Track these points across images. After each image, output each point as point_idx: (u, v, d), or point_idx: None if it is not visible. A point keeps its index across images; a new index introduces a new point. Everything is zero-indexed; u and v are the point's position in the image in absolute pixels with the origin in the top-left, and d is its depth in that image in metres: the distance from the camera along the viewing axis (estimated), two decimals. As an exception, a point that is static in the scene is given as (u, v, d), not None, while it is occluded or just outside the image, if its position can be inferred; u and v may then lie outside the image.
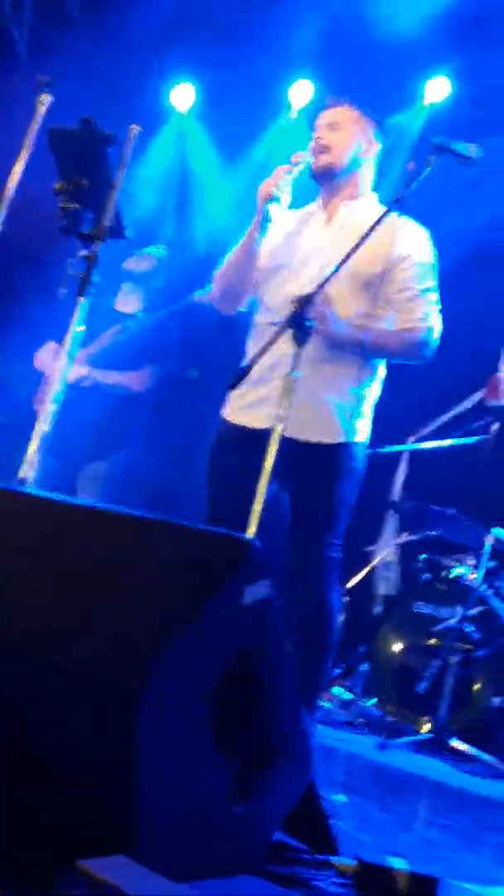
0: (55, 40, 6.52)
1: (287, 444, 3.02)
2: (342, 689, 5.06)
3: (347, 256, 3.05)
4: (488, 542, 4.77)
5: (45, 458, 2.92)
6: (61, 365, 2.85)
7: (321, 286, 3.00)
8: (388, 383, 3.51)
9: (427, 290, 3.38)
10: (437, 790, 3.94)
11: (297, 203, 3.48)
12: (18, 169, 3.22)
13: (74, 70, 5.58)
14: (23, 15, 6.67)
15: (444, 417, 5.93)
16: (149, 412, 5.02)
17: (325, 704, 4.84)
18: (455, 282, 3.76)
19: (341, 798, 3.14)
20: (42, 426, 2.82)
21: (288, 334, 2.98)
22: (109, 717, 1.69)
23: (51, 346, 4.90)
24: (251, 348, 3.41)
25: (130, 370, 4.86)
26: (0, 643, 1.81)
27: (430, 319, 3.36)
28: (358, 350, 3.29)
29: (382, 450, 5.05)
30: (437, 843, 3.00)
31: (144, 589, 1.88)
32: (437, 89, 6.19)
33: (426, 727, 4.54)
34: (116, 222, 2.90)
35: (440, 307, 3.40)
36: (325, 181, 3.44)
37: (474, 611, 4.65)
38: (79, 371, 4.74)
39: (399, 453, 5.79)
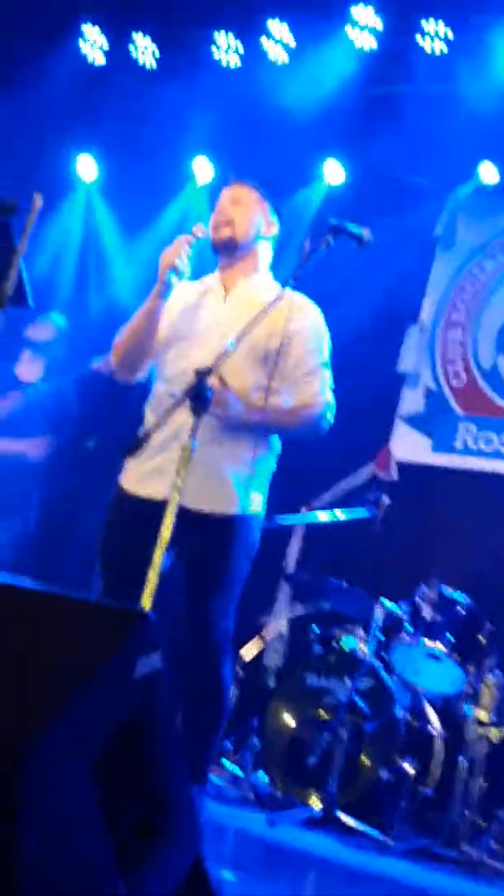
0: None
1: (182, 513, 3.03)
2: (232, 764, 5.01)
3: (245, 331, 3.10)
4: (378, 613, 4.83)
5: None
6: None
7: (219, 359, 3.04)
8: (283, 455, 3.56)
9: (322, 365, 3.45)
10: (325, 867, 3.92)
11: (193, 275, 3.53)
12: None
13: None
14: None
15: (337, 490, 6.03)
16: (44, 481, 4.98)
17: (216, 780, 4.78)
18: (349, 355, 3.85)
19: (229, 875, 3.10)
20: None
21: (186, 405, 3.01)
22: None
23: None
24: (150, 417, 3.43)
25: (27, 438, 4.82)
26: None
27: (325, 394, 3.43)
28: (256, 429, 3.33)
29: (276, 521, 5.09)
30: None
31: (33, 660, 1.85)
32: (333, 171, 6.41)
33: (316, 802, 4.52)
34: (18, 290, 2.90)
35: (333, 384, 3.48)
36: (224, 254, 3.50)
37: (364, 683, 4.68)
38: (-27, 439, 4.70)
39: (292, 525, 5.84)
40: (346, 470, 6.10)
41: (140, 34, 6.55)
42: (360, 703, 4.65)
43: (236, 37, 6.33)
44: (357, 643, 4.98)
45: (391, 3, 5.92)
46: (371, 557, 5.97)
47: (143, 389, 3.68)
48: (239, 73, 6.38)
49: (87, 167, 6.92)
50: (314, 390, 3.41)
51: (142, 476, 3.36)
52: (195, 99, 6.45)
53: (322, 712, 4.74)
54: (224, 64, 6.38)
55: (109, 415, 5.78)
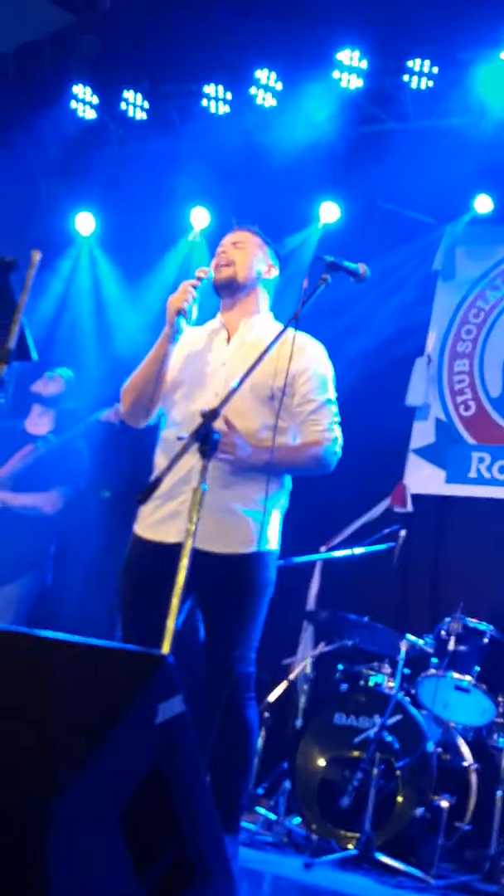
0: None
1: (198, 556, 3.03)
2: (265, 809, 4.96)
3: (249, 372, 3.11)
4: (403, 648, 4.79)
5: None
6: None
7: (225, 401, 3.05)
8: (301, 496, 3.56)
9: (327, 401, 3.46)
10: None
11: (195, 323, 3.56)
12: None
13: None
14: None
15: (354, 526, 6.01)
16: (60, 534, 4.99)
17: (249, 825, 4.73)
18: (357, 393, 3.87)
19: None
20: None
21: (195, 448, 3.03)
22: (20, 846, 1.63)
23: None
24: (160, 462, 3.43)
25: (41, 492, 4.84)
26: None
27: (332, 430, 3.44)
28: (266, 469, 3.34)
29: (295, 560, 5.07)
30: None
31: (55, 708, 1.85)
32: (329, 211, 6.47)
33: (351, 843, 4.46)
34: (21, 345, 2.93)
35: (339, 418, 3.48)
36: (226, 294, 3.53)
37: (393, 720, 4.63)
38: (-13, 493, 4.72)
39: (312, 563, 5.83)
40: (363, 507, 6.09)
41: (131, 91, 6.65)
42: (391, 740, 4.61)
43: (225, 88, 6.43)
44: (383, 679, 4.94)
45: (376, 46, 6.00)
46: (391, 591, 5.95)
47: (154, 437, 3.70)
48: (228, 119, 6.47)
49: (84, 221, 7.00)
50: (321, 427, 3.42)
51: (156, 521, 3.37)
52: (187, 147, 6.54)
53: (353, 751, 4.69)
54: (213, 111, 6.47)
55: (121, 464, 5.81)
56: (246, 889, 3.45)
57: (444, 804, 4.47)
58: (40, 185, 7.13)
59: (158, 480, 3.00)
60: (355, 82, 6.12)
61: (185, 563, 2.83)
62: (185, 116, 6.67)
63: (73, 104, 6.74)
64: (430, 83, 5.98)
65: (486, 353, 6.31)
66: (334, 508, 5.94)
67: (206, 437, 2.93)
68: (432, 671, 4.84)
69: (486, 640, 4.87)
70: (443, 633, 4.90)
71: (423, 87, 6.01)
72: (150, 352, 3.49)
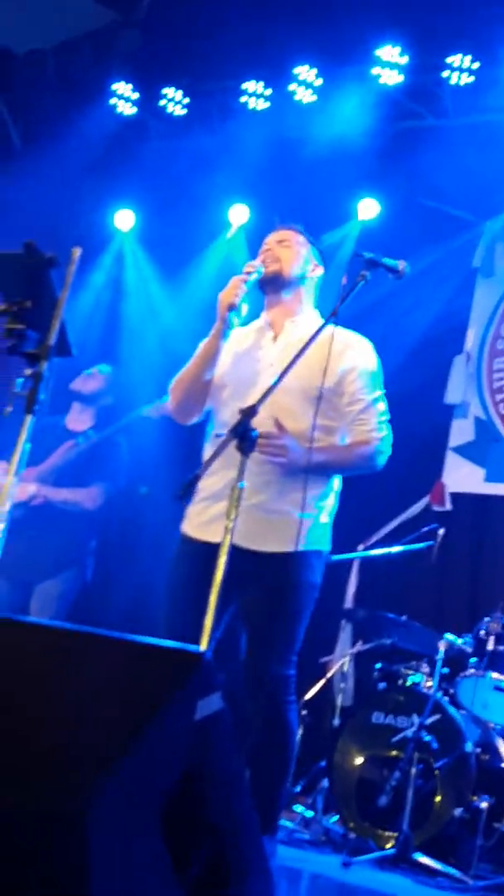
0: (-1, 167, 6.70)
1: (242, 555, 3.05)
2: (303, 807, 4.95)
3: (287, 369, 3.10)
4: (441, 647, 4.76)
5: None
6: (8, 483, 2.84)
7: (263, 398, 3.04)
8: (340, 494, 3.54)
9: (376, 399, 3.44)
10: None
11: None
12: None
13: (19, 196, 5.72)
14: (-34, 144, 6.86)
15: (392, 525, 5.99)
16: (99, 529, 5.00)
17: (287, 823, 4.73)
18: (396, 390, 3.84)
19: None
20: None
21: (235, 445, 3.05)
22: (60, 845, 1.63)
23: (1, 465, 4.89)
24: (207, 456, 3.39)
25: (81, 487, 4.85)
26: None
27: (381, 429, 3.42)
28: (317, 471, 3.33)
29: (333, 558, 5.05)
30: None
31: (94, 703, 1.85)
32: (368, 207, 6.44)
33: (389, 842, 4.44)
34: (61, 341, 2.93)
35: (388, 416, 3.46)
36: (271, 292, 3.50)
37: (431, 719, 4.60)
38: (29, 489, 4.73)
39: (350, 562, 5.80)
40: (401, 505, 6.06)
41: (171, 88, 6.66)
42: (429, 740, 4.58)
43: (265, 84, 6.42)
44: (422, 678, 4.92)
45: (415, 42, 5.96)
46: (430, 590, 5.91)
47: (194, 434, 3.70)
48: (267, 115, 6.46)
49: (124, 218, 7.02)
50: (370, 426, 3.40)
51: (204, 521, 3.36)
52: (226, 143, 6.54)
53: (391, 750, 4.67)
54: (252, 107, 6.47)
55: (161, 461, 5.82)
56: (284, 887, 3.45)
57: (483, 805, 4.43)
58: (80, 181, 7.15)
59: (196, 477, 3.01)
60: (395, 78, 6.08)
61: (223, 560, 2.83)
62: (224, 113, 6.67)
63: (113, 101, 6.76)
64: (471, 79, 5.93)
65: (526, 349, 6.26)
66: (373, 507, 5.91)
67: (243, 434, 2.93)
68: (471, 671, 4.81)
69: (525, 640, 4.83)
70: (482, 632, 4.86)
71: (462, 82, 5.96)
72: (199, 348, 3.48)
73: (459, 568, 5.95)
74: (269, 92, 6.43)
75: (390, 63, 6.02)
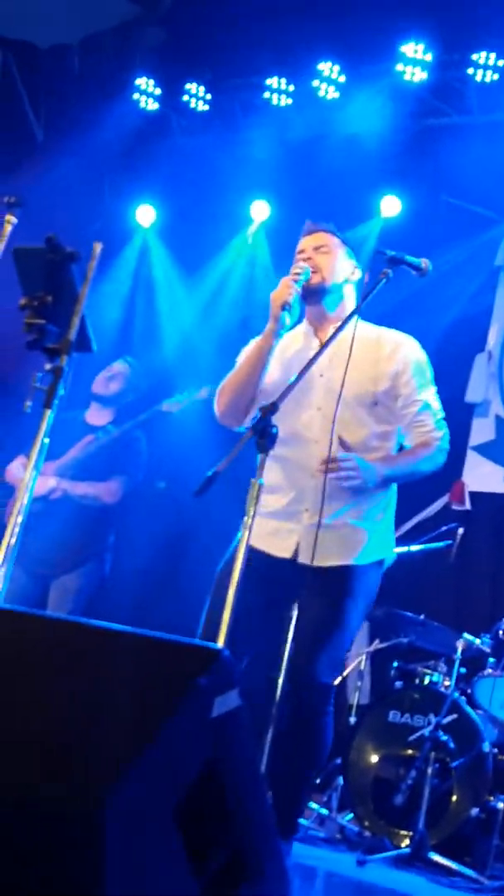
0: (20, 162, 6.71)
1: (304, 570, 3.13)
2: (318, 805, 4.95)
3: (305, 369, 3.07)
4: (459, 647, 4.75)
5: (16, 572, 2.88)
6: (27, 477, 2.85)
7: (283, 395, 3.01)
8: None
9: (430, 399, 3.41)
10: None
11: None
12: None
13: (40, 190, 5.73)
14: (-12, 138, 6.87)
15: (411, 523, 5.96)
16: (117, 523, 5.00)
17: (302, 821, 4.72)
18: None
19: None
20: (8, 539, 2.79)
21: (316, 468, 3.16)
22: (75, 842, 1.63)
23: (21, 459, 4.90)
24: (264, 476, 3.34)
25: (100, 481, 4.86)
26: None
27: (440, 428, 3.39)
28: (387, 484, 3.32)
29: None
30: None
31: (110, 699, 1.85)
32: (391, 205, 6.42)
33: (405, 841, 4.43)
34: (81, 336, 2.93)
35: (443, 413, 3.44)
36: (314, 301, 3.43)
37: (448, 719, 4.59)
38: (48, 482, 4.74)
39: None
40: (420, 504, 6.04)
41: (194, 84, 6.66)
42: (446, 739, 4.57)
43: (288, 81, 6.40)
44: (439, 678, 4.90)
45: (440, 39, 5.93)
46: (448, 590, 5.89)
47: (212, 430, 3.67)
48: (290, 111, 6.45)
49: (145, 213, 7.03)
50: (429, 427, 3.37)
51: (268, 532, 3.31)
52: (248, 139, 6.53)
53: (407, 749, 4.66)
54: (275, 103, 6.46)
55: (179, 456, 5.82)
56: (298, 885, 3.44)
57: (500, 805, 4.42)
58: (102, 176, 7.16)
59: (216, 475, 2.99)
60: (419, 75, 6.05)
61: (241, 555, 2.82)
62: (246, 109, 6.66)
63: (136, 96, 6.77)
64: (496, 76, 5.90)
65: (548, 348, 6.22)
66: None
67: (263, 431, 2.92)
68: (489, 671, 4.79)
69: (544, 641, 4.81)
70: (500, 632, 4.85)
71: (487, 80, 5.93)
72: (249, 350, 3.41)
73: (478, 567, 5.93)
74: (291, 88, 6.42)
75: (414, 60, 5.99)
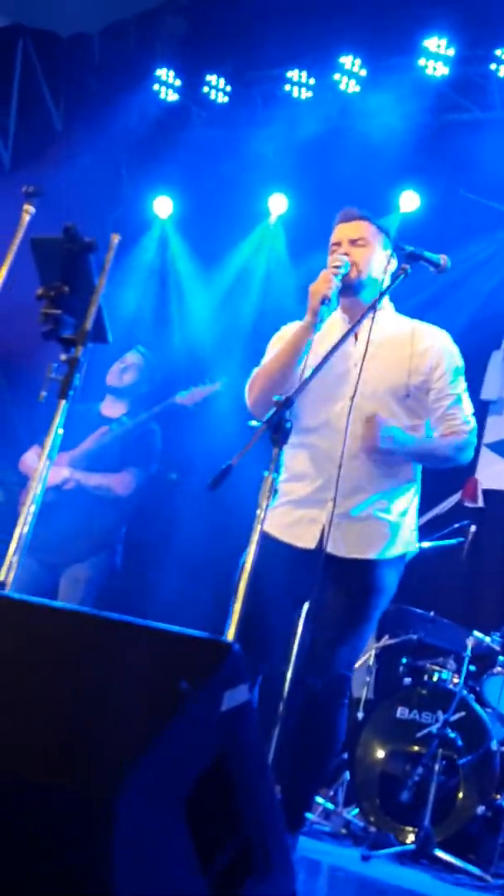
0: (39, 152, 6.71)
1: (330, 563, 3.11)
2: (324, 799, 4.95)
3: (320, 366, 3.05)
4: (469, 644, 4.74)
5: (27, 561, 2.89)
6: (40, 467, 2.85)
7: (299, 390, 3.01)
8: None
9: (461, 393, 3.40)
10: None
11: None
12: (2, 277, 3.27)
13: (59, 179, 5.73)
14: (8, 127, 6.87)
15: (423, 519, 5.95)
16: (129, 515, 5.00)
17: (308, 815, 4.72)
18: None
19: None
20: (21, 528, 2.80)
21: (358, 460, 3.16)
22: (84, 834, 1.63)
23: (36, 449, 4.90)
24: (291, 465, 3.29)
25: (114, 472, 4.86)
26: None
27: (470, 422, 3.39)
28: (410, 456, 3.31)
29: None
30: None
31: (120, 691, 1.85)
32: (410, 200, 6.39)
33: (410, 837, 4.43)
34: (98, 327, 2.93)
35: (473, 408, 3.43)
36: (349, 294, 3.38)
37: (456, 716, 4.59)
38: (61, 473, 4.74)
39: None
40: (432, 501, 6.03)
41: (214, 75, 6.65)
42: (453, 736, 4.56)
43: (309, 74, 6.39)
44: (448, 675, 4.90)
45: (463, 33, 5.90)
46: (459, 587, 5.88)
47: (225, 422, 3.67)
48: (311, 104, 6.43)
49: (162, 204, 7.03)
50: (459, 420, 3.37)
51: (289, 523, 3.32)
52: (268, 132, 6.51)
53: (414, 746, 4.66)
54: (296, 96, 6.44)
55: (191, 448, 5.81)
56: (303, 878, 3.44)
57: (506, 804, 4.42)
58: (121, 166, 7.16)
59: (230, 468, 2.98)
60: (441, 70, 6.03)
61: (252, 549, 2.82)
62: (267, 101, 6.64)
63: (156, 87, 6.76)
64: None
65: None
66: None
67: (277, 426, 2.91)
68: (498, 669, 4.79)
69: (554, 640, 4.80)
70: (510, 630, 4.84)
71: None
72: (284, 341, 3.37)
73: (490, 565, 5.91)
74: (312, 81, 6.40)
75: (437, 54, 5.97)
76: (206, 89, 6.70)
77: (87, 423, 4.91)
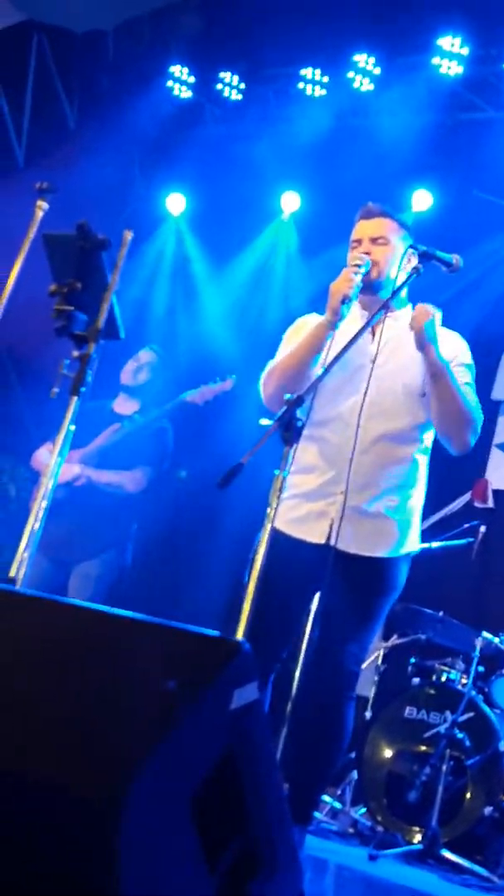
0: (53, 148, 6.72)
1: (339, 558, 3.11)
2: (331, 798, 4.95)
3: (333, 362, 3.04)
4: (478, 645, 4.73)
5: (38, 557, 2.89)
6: (52, 463, 2.86)
7: (311, 388, 3.01)
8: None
9: (471, 386, 3.39)
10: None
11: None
12: (15, 273, 3.28)
13: (72, 176, 5.74)
14: (21, 124, 6.88)
15: (433, 519, 5.94)
16: (140, 512, 5.01)
17: (315, 814, 4.73)
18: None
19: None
20: (32, 524, 2.80)
21: (360, 452, 3.17)
22: (90, 833, 1.63)
23: (47, 446, 4.91)
24: (301, 458, 3.27)
25: (125, 470, 4.86)
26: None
27: (478, 410, 3.36)
28: (435, 367, 3.23)
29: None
30: None
31: (128, 689, 1.85)
32: (422, 198, 6.38)
33: (417, 837, 4.43)
34: (110, 323, 2.93)
35: (480, 408, 3.42)
36: (369, 292, 3.36)
37: (465, 716, 4.58)
38: (72, 469, 4.75)
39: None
40: (442, 501, 6.02)
41: (228, 73, 6.65)
42: (461, 737, 4.56)
43: (323, 72, 6.38)
44: (457, 675, 4.89)
45: (477, 33, 5.89)
46: (468, 587, 5.87)
47: (234, 421, 3.67)
48: (324, 102, 6.42)
49: (175, 201, 7.04)
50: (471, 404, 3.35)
51: (297, 518, 3.31)
52: (281, 129, 6.51)
53: (422, 746, 4.65)
54: (309, 94, 6.44)
55: (200, 446, 5.81)
56: (309, 877, 3.44)
57: (514, 805, 4.41)
58: (134, 163, 7.17)
59: (240, 466, 2.98)
60: (455, 69, 6.02)
61: (262, 547, 2.82)
62: (281, 99, 6.64)
63: (170, 84, 6.76)
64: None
65: None
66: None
67: (288, 424, 2.91)
68: (507, 670, 4.78)
69: None
70: (520, 631, 4.83)
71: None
72: (304, 338, 3.33)
73: (500, 566, 5.90)
74: (326, 79, 6.39)
75: (451, 53, 5.96)
76: (219, 87, 6.70)
77: (100, 420, 4.91)
